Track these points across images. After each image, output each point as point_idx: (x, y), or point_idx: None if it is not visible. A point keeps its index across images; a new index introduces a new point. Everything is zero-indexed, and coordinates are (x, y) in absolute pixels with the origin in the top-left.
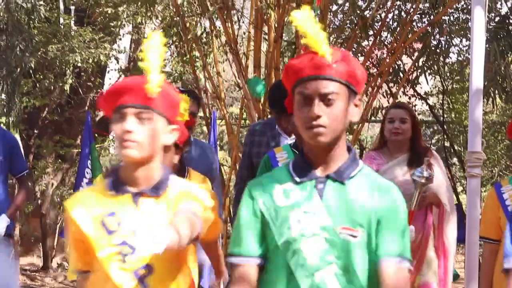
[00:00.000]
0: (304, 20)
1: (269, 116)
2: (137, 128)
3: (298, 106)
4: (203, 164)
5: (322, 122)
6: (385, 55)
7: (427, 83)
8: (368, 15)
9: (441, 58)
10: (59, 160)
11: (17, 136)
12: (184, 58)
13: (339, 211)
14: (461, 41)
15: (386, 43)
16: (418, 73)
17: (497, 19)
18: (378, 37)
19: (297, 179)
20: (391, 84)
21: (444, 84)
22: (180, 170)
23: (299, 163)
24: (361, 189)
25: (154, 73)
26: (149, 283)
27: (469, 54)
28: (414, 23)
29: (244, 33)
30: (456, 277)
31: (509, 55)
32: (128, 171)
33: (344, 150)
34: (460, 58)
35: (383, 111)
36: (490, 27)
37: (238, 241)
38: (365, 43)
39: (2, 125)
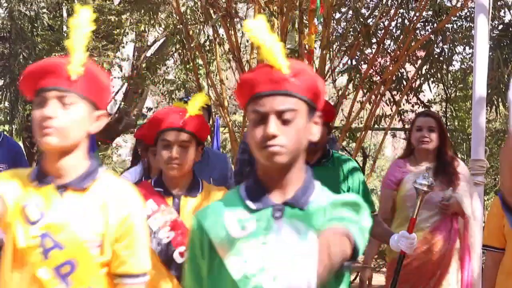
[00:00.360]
0: (258, 30)
1: None
2: (58, 114)
3: (253, 124)
4: (218, 173)
5: (278, 142)
6: (388, 63)
7: (430, 91)
8: (371, 23)
9: (444, 66)
10: None
11: (20, 144)
12: (187, 66)
13: (300, 241)
14: (464, 49)
15: (389, 51)
16: (421, 81)
17: (500, 27)
18: (381, 45)
19: (252, 207)
20: (394, 92)
21: (447, 92)
22: (194, 183)
23: (253, 188)
24: (321, 214)
25: (77, 52)
26: (71, 280)
27: (472, 62)
28: (417, 31)
29: (247, 41)
30: None
31: None
32: (50, 161)
33: (302, 172)
34: (463, 66)
35: (386, 119)
36: (494, 35)
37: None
38: (368, 51)
39: (5, 132)
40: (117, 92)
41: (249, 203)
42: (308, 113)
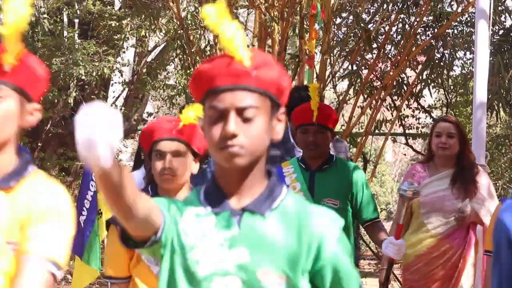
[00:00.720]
0: (218, 17)
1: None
2: None
3: (210, 122)
4: None
5: (238, 142)
6: (389, 68)
7: (431, 96)
8: (372, 28)
9: (445, 71)
10: (63, 173)
11: None
12: (188, 71)
13: (259, 249)
14: (465, 54)
15: (390, 56)
16: (422, 86)
17: (501, 32)
18: (382, 50)
19: (208, 210)
20: (394, 97)
21: (448, 97)
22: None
23: (211, 191)
24: (286, 224)
25: (11, 40)
26: None
27: (473, 67)
28: (418, 36)
29: (248, 46)
30: None
31: None
32: None
33: (263, 175)
34: (464, 71)
35: (386, 124)
36: (494, 40)
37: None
38: (369, 56)
39: None
40: (117, 97)
41: (207, 207)
42: (272, 110)
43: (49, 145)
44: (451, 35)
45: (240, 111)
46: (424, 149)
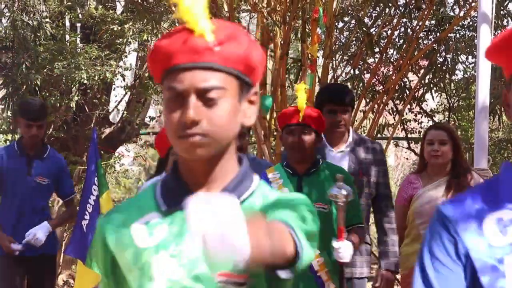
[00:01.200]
0: None
1: (274, 133)
2: None
3: (168, 106)
4: None
5: (200, 129)
6: (391, 72)
7: (433, 100)
8: (374, 32)
9: (447, 75)
10: None
11: None
12: None
13: None
14: (467, 58)
15: (392, 60)
16: (424, 90)
17: None
18: (384, 54)
19: (162, 208)
20: (397, 101)
21: (450, 101)
22: None
23: (171, 185)
24: None
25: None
26: None
27: (475, 71)
28: (420, 41)
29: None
30: None
31: None
32: None
33: (233, 165)
34: (466, 75)
35: (389, 128)
36: None
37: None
38: (371, 60)
39: (8, 142)
40: (119, 102)
41: (161, 204)
42: (240, 91)
43: None
44: (453, 39)
45: (201, 93)
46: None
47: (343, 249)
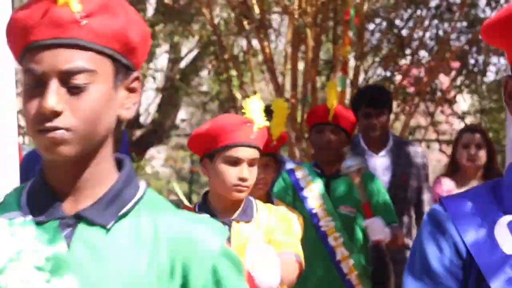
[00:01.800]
0: None
1: (306, 135)
2: None
3: (26, 93)
4: None
5: (62, 123)
6: (422, 74)
7: (465, 102)
8: (405, 34)
9: (479, 77)
10: None
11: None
12: (221, 77)
13: (95, 280)
14: (499, 60)
15: (423, 62)
16: (456, 92)
17: None
18: (416, 55)
19: (28, 218)
20: (428, 103)
21: (482, 103)
22: (247, 205)
23: (37, 190)
24: (138, 240)
25: None
26: None
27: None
28: (452, 42)
29: (281, 52)
30: None
31: None
32: None
33: (110, 169)
34: (498, 78)
35: (422, 131)
36: None
37: None
38: (402, 62)
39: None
40: (151, 103)
41: (25, 213)
42: (116, 75)
43: None
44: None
45: (65, 78)
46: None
47: (374, 225)
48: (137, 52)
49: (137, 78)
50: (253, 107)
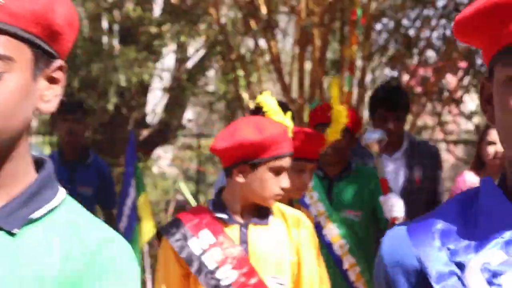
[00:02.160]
0: None
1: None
2: None
3: None
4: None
5: None
6: (429, 74)
7: (472, 102)
8: (412, 34)
9: None
10: None
11: None
12: (228, 77)
13: None
14: None
15: (430, 62)
16: (463, 92)
17: None
18: (423, 55)
19: None
20: (435, 103)
21: None
22: (263, 207)
23: None
24: (49, 247)
25: None
26: None
27: None
28: (459, 42)
29: (288, 52)
30: None
31: None
32: None
33: (26, 169)
34: None
35: (429, 131)
36: None
37: None
38: (409, 61)
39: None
40: (157, 103)
41: None
42: (35, 64)
43: None
44: None
45: None
46: (465, 155)
47: (391, 202)
48: (61, 38)
49: (60, 68)
50: (272, 106)
